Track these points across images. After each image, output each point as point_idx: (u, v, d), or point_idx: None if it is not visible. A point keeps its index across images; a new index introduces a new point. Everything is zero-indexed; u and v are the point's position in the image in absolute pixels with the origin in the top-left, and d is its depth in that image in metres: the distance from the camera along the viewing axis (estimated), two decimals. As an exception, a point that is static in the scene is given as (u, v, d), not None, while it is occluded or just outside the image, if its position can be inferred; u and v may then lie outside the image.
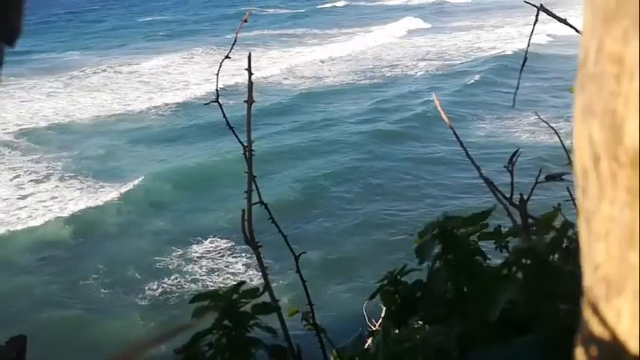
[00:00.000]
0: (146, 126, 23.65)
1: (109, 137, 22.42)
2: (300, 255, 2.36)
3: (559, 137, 2.27)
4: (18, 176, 19.08)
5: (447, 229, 1.86)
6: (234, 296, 1.94)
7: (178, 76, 30.55)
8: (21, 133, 23.27)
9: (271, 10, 51.44)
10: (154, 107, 25.85)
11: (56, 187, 18.16)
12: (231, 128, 2.28)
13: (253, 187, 2.25)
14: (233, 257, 13.48)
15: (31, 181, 18.69)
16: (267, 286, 2.15)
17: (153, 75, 31.21)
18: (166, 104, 25.94)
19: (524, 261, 1.64)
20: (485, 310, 1.58)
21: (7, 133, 23.36)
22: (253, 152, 2.28)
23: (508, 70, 25.66)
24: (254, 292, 1.99)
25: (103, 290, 12.88)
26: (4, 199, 17.46)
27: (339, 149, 19.73)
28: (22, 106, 26.88)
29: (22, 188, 18.22)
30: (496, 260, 1.88)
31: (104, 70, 32.37)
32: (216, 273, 13.03)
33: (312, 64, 31.64)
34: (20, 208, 16.84)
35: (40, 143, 21.98)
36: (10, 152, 21.36)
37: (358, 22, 43.70)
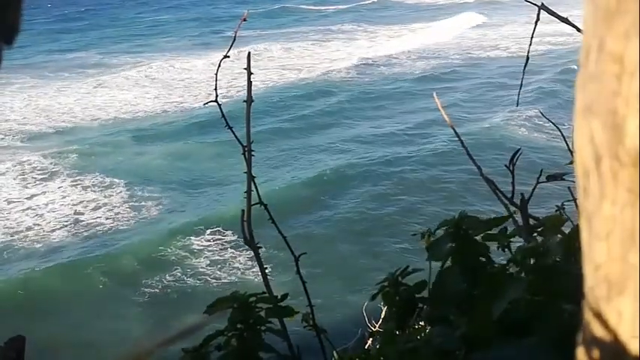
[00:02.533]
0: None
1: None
2: (300, 256, 2.35)
3: (563, 136, 2.26)
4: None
5: (462, 228, 1.84)
6: (251, 299, 1.94)
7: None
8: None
9: (314, 7, 50.19)
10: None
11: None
12: (230, 128, 2.28)
13: (252, 187, 2.25)
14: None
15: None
16: (266, 286, 2.15)
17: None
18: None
19: (528, 261, 1.63)
20: (490, 309, 1.57)
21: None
22: (253, 152, 2.28)
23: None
24: (273, 299, 1.98)
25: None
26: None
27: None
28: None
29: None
30: (499, 260, 1.87)
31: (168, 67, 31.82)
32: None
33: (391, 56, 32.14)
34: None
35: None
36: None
37: (412, 18, 43.73)
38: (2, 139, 22.63)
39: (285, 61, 32.22)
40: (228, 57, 2.31)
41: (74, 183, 18.26)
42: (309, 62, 31.99)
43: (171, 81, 29.76)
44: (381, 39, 36.78)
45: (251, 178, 2.24)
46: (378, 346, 2.41)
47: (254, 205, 2.24)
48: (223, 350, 1.91)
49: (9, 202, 17.19)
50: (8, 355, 1.72)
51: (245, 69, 2.32)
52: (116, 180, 18.14)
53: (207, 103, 2.49)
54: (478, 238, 1.87)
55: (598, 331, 0.59)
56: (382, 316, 2.64)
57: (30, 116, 25.08)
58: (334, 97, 24.96)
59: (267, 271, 2.31)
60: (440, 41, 34.72)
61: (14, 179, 18.69)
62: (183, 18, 48.43)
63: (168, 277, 13.15)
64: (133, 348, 0.50)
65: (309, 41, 36.83)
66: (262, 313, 1.96)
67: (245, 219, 2.20)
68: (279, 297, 2.01)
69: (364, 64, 30.22)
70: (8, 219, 16.23)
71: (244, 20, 2.26)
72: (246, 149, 2.27)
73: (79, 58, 35.66)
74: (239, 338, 1.91)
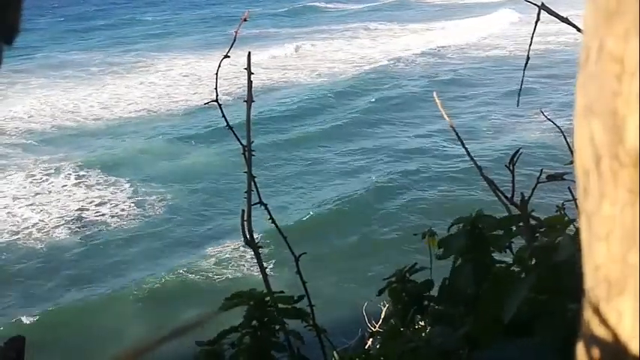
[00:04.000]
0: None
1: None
2: (300, 256, 2.35)
3: (564, 136, 2.25)
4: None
5: (477, 226, 1.82)
6: (267, 298, 1.94)
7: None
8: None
9: (341, 6, 49.24)
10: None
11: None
12: (230, 128, 2.27)
13: (253, 187, 2.25)
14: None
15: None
16: (265, 285, 2.14)
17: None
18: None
19: (531, 261, 1.62)
20: (497, 309, 1.55)
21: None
22: (253, 152, 2.27)
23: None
24: (289, 299, 1.98)
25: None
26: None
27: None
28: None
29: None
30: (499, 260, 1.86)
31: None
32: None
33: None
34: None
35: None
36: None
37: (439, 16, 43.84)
38: (7, 138, 22.61)
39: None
40: (229, 57, 2.30)
41: (78, 181, 18.29)
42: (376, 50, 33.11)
43: (177, 79, 29.65)
44: (417, 36, 37.21)
45: (251, 178, 2.24)
46: (378, 346, 2.41)
47: (254, 205, 2.24)
48: (237, 347, 1.92)
49: (14, 199, 17.23)
50: (8, 355, 1.72)
51: (245, 69, 2.32)
52: (120, 178, 18.18)
53: (207, 103, 2.48)
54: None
55: (598, 330, 0.58)
56: (382, 316, 2.64)
57: (35, 115, 25.02)
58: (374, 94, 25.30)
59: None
60: (481, 38, 35.10)
61: (21, 178, 18.71)
62: (195, 17, 47.64)
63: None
64: (132, 344, 0.50)
65: (346, 38, 37.16)
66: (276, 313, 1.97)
67: (245, 219, 2.19)
68: (295, 297, 2.02)
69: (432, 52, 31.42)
70: (15, 215, 16.26)
71: (245, 20, 2.25)
72: (246, 149, 2.26)
73: (83, 58, 35.26)
74: (253, 336, 1.92)
